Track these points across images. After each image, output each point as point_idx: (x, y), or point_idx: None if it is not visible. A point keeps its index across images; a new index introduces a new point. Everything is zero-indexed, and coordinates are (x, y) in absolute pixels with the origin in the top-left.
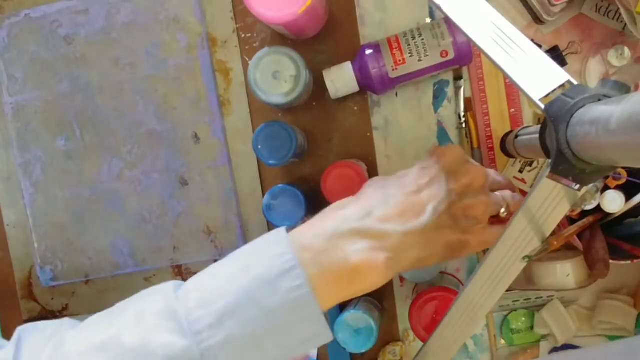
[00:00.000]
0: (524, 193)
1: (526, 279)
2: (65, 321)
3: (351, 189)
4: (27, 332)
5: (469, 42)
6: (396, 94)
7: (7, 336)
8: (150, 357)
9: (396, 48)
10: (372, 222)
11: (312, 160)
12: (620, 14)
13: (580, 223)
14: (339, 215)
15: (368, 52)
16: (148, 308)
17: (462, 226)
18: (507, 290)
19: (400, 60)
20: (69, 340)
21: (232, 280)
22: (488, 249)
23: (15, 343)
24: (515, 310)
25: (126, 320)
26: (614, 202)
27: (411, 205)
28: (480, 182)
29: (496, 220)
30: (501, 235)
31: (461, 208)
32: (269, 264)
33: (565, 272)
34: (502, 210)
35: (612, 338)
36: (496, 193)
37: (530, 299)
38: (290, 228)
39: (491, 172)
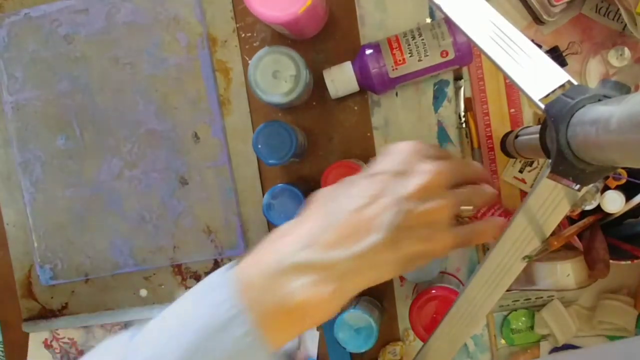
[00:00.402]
0: (523, 193)
1: (526, 279)
2: None
3: None
4: None
5: (469, 42)
6: (396, 94)
7: (7, 335)
8: None
9: (396, 48)
10: (315, 252)
11: (312, 160)
12: (620, 15)
13: (580, 223)
14: (280, 247)
15: (368, 52)
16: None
17: (421, 235)
18: (507, 290)
19: (400, 60)
20: None
21: (180, 332)
22: (488, 249)
23: None
24: (516, 310)
25: None
26: (614, 202)
27: (359, 224)
28: (437, 182)
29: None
30: (466, 235)
31: (417, 215)
32: (214, 312)
33: (565, 272)
34: (467, 207)
35: (612, 338)
36: (460, 189)
37: (530, 299)
38: (241, 256)
39: (454, 163)
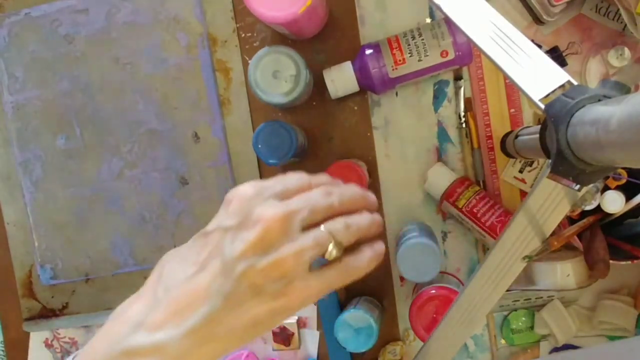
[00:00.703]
0: (523, 193)
1: (526, 279)
2: None
3: None
4: None
5: (469, 42)
6: (396, 94)
7: (8, 335)
8: None
9: (396, 48)
10: (143, 334)
11: (312, 159)
12: (620, 15)
13: (580, 223)
14: (113, 330)
15: (368, 52)
16: None
17: (270, 292)
18: (507, 290)
19: (400, 60)
20: None
21: None
22: (488, 249)
23: None
24: (516, 310)
25: None
26: (614, 203)
27: (188, 296)
28: (277, 229)
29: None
30: (333, 277)
31: (259, 273)
32: None
33: (565, 272)
34: (330, 247)
35: (612, 338)
36: (317, 229)
37: (530, 299)
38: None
39: (314, 195)
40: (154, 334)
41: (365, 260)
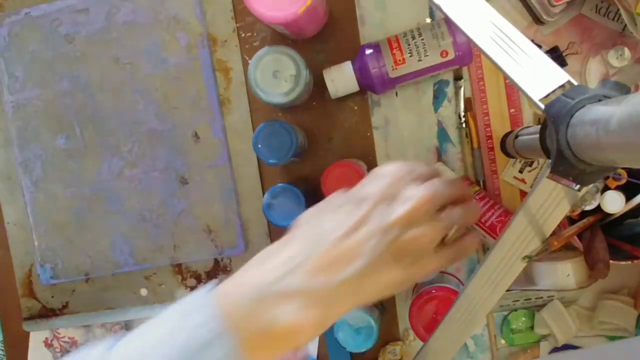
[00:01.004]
0: (523, 193)
1: (526, 279)
2: None
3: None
4: None
5: (469, 42)
6: (396, 94)
7: (8, 334)
8: None
9: (396, 48)
10: (299, 278)
11: (312, 159)
12: (620, 15)
13: (580, 223)
14: (264, 271)
15: (368, 51)
16: None
17: (405, 262)
18: (507, 290)
19: (400, 60)
20: None
21: (158, 349)
22: (488, 249)
23: None
24: (516, 310)
25: None
26: (614, 203)
27: (343, 251)
28: (423, 209)
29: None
30: (449, 256)
31: (403, 243)
32: (194, 333)
33: (565, 272)
34: (451, 232)
35: (612, 338)
36: (444, 213)
37: (530, 299)
38: (220, 279)
39: (441, 184)
40: (310, 279)
41: (473, 244)
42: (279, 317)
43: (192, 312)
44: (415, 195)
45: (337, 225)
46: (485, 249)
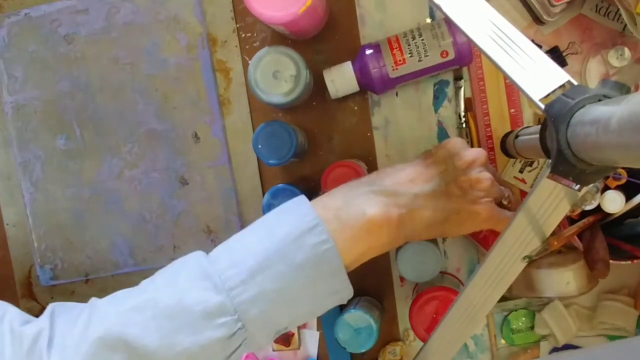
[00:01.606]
0: (523, 193)
1: (527, 286)
2: (93, 299)
3: None
4: (60, 306)
5: (469, 42)
6: (396, 94)
7: None
8: (187, 313)
9: (396, 48)
10: (385, 184)
11: (312, 160)
12: (620, 15)
13: (580, 223)
14: (353, 183)
15: (368, 52)
16: (180, 273)
17: (470, 197)
18: (509, 298)
19: (400, 60)
20: (103, 307)
21: (260, 241)
22: (488, 250)
23: (50, 315)
24: (516, 310)
25: (159, 285)
26: (614, 203)
27: (420, 174)
28: (482, 160)
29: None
30: (502, 216)
31: (468, 180)
32: (294, 223)
33: (565, 280)
34: (506, 195)
35: (612, 338)
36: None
37: (530, 301)
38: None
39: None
40: (395, 186)
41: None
42: (367, 209)
43: (290, 210)
44: (475, 150)
45: (415, 163)
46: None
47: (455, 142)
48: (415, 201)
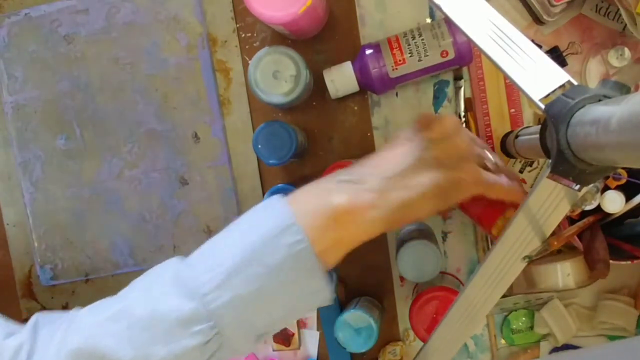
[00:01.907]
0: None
1: (526, 281)
2: (75, 308)
3: None
4: (44, 317)
5: (469, 42)
6: (396, 94)
7: None
8: (162, 322)
9: (396, 48)
10: (353, 173)
11: (312, 160)
12: (620, 15)
13: (580, 223)
14: (330, 174)
15: (368, 52)
16: (155, 280)
17: (448, 164)
18: (508, 295)
19: (400, 60)
20: (81, 317)
21: (234, 244)
22: (488, 249)
23: (32, 326)
24: (516, 310)
25: (135, 294)
26: (614, 203)
27: (386, 158)
28: (454, 125)
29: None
30: (492, 180)
31: (442, 148)
32: (268, 224)
33: (565, 272)
34: (491, 160)
35: (612, 338)
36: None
37: (530, 300)
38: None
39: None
40: (362, 172)
41: (515, 188)
42: (334, 199)
43: (263, 210)
44: (446, 118)
45: (383, 149)
46: (485, 249)
47: (424, 116)
48: (387, 184)
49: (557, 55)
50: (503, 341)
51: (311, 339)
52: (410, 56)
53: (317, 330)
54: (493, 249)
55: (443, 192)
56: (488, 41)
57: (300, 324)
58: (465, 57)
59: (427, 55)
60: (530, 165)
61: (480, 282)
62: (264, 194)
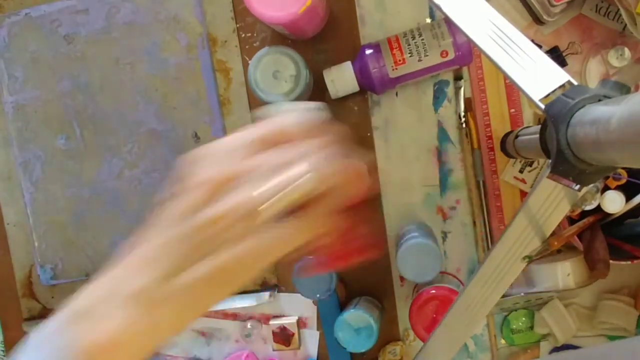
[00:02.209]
0: (523, 193)
1: (526, 281)
2: None
3: None
4: None
5: (469, 42)
6: (396, 94)
7: (8, 335)
8: None
9: (396, 48)
10: (84, 296)
11: None
12: (620, 15)
13: (580, 223)
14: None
15: (368, 52)
16: None
17: (216, 251)
18: (507, 296)
19: (400, 60)
20: None
21: None
22: (488, 249)
23: None
24: (516, 310)
25: None
26: (614, 203)
27: (138, 261)
28: (215, 177)
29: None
30: (303, 236)
31: (195, 230)
32: None
33: (565, 272)
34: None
35: (612, 338)
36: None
37: (530, 300)
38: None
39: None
40: (93, 293)
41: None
42: (75, 340)
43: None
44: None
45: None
46: (485, 249)
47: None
48: (138, 300)
49: (557, 55)
50: (503, 341)
51: (311, 339)
52: (410, 56)
53: (317, 330)
54: (493, 249)
55: (229, 275)
56: (488, 41)
57: (301, 324)
58: (465, 57)
59: (427, 55)
60: (530, 165)
61: (480, 282)
62: None
